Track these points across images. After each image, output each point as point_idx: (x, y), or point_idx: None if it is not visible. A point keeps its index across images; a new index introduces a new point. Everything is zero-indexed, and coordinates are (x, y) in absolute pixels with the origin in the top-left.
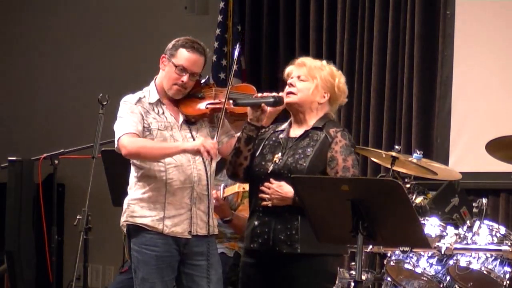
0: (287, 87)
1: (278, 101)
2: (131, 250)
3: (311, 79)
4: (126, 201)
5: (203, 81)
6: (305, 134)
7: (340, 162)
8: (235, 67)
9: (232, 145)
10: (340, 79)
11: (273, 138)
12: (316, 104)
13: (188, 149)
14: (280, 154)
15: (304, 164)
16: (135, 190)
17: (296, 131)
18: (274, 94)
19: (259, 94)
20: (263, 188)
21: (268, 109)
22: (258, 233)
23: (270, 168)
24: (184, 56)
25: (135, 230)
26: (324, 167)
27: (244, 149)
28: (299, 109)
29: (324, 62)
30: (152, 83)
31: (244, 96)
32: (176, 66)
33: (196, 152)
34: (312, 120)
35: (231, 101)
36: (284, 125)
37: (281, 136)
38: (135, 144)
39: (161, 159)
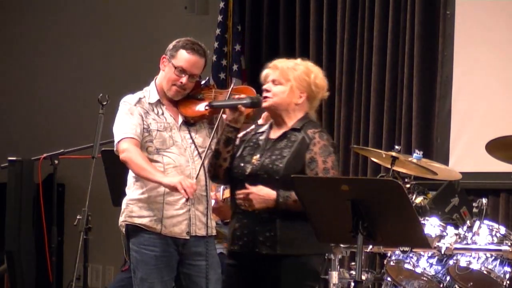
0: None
1: (256, 103)
2: (130, 250)
3: (285, 82)
4: (124, 201)
5: (203, 82)
6: (283, 136)
7: (320, 163)
8: (235, 67)
9: None
10: (316, 75)
11: (254, 140)
12: (293, 106)
13: (164, 183)
14: (258, 155)
15: (281, 165)
16: (133, 190)
17: (275, 133)
18: (253, 96)
19: (237, 96)
20: (238, 193)
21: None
22: (239, 235)
23: (248, 170)
24: (184, 57)
25: (134, 230)
26: (301, 168)
27: (223, 150)
28: (277, 112)
29: (299, 60)
30: (153, 83)
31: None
32: (175, 67)
33: (172, 188)
34: (291, 122)
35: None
36: (265, 127)
37: (261, 138)
38: (128, 154)
39: (142, 178)
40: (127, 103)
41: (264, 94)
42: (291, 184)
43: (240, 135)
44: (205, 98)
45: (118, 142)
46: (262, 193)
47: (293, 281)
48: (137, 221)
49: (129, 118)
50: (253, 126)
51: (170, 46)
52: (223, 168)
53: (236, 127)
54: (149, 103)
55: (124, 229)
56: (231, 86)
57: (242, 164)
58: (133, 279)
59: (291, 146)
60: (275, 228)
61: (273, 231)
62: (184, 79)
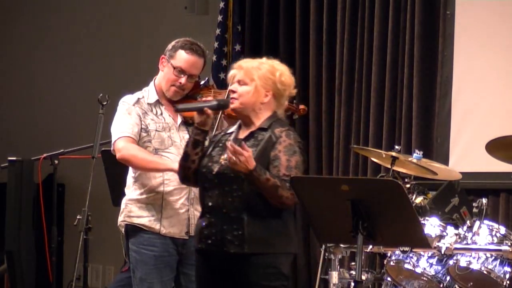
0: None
1: (222, 105)
2: (129, 250)
3: (250, 81)
4: (123, 201)
5: (202, 82)
6: (250, 135)
7: (283, 161)
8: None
9: None
10: (282, 73)
11: (223, 140)
12: (259, 105)
13: (176, 169)
14: (226, 155)
15: None
16: (132, 190)
17: (244, 133)
18: (220, 98)
19: (203, 98)
20: (229, 146)
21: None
22: (206, 234)
23: (215, 169)
24: (182, 57)
25: (133, 230)
26: (267, 167)
27: (191, 152)
28: (244, 113)
29: (264, 59)
30: (152, 83)
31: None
32: (174, 68)
33: None
34: (259, 121)
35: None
36: (234, 127)
37: (230, 138)
38: (129, 151)
39: (149, 172)
40: (126, 103)
41: (231, 95)
42: None
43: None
44: (203, 98)
45: (115, 141)
46: (249, 159)
47: (261, 280)
48: (136, 221)
49: (127, 117)
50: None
51: (169, 46)
52: (191, 170)
53: (204, 129)
54: (148, 103)
55: (123, 229)
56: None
57: (210, 164)
58: (133, 279)
59: (257, 145)
60: (243, 226)
61: (240, 230)
62: (183, 80)
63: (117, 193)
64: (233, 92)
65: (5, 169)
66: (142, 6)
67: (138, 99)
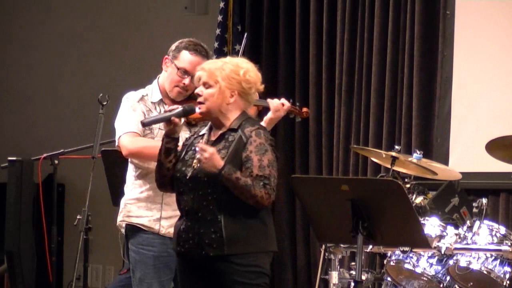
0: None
1: (188, 111)
2: (128, 251)
3: (214, 83)
4: (122, 201)
5: None
6: (221, 137)
7: (255, 162)
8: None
9: None
10: (246, 71)
11: (194, 144)
12: (225, 106)
13: None
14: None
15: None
16: (132, 189)
17: (215, 135)
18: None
19: (169, 108)
20: (200, 147)
21: (182, 120)
22: (184, 238)
23: (189, 173)
24: (186, 58)
25: (132, 230)
26: (239, 169)
27: (164, 161)
28: (212, 115)
29: (228, 59)
30: (155, 82)
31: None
32: (178, 68)
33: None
34: (228, 122)
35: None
36: (205, 129)
37: (201, 141)
38: (137, 144)
39: None
40: (130, 99)
41: (198, 99)
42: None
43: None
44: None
45: (120, 137)
46: (214, 157)
47: (242, 279)
48: (135, 221)
49: (132, 114)
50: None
51: (173, 47)
52: (167, 177)
53: (174, 137)
54: (151, 102)
55: (123, 229)
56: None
57: (183, 168)
58: (132, 279)
59: (228, 146)
60: (221, 229)
61: (218, 232)
62: (186, 80)
63: (117, 193)
64: (199, 95)
65: (5, 169)
66: (142, 6)
67: (142, 96)
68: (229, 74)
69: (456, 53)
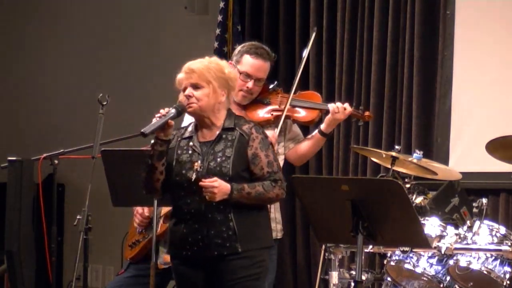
0: (183, 97)
1: (180, 110)
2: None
3: (206, 84)
4: None
5: (271, 86)
6: (219, 137)
7: (263, 158)
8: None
9: (298, 151)
10: (228, 69)
11: (185, 146)
12: (217, 106)
13: None
14: (199, 161)
15: (228, 166)
16: None
17: (206, 135)
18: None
19: (162, 112)
20: (204, 185)
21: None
22: (190, 241)
23: (193, 176)
24: (248, 62)
25: None
26: (246, 165)
27: (158, 164)
28: (203, 115)
29: (207, 58)
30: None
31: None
32: (241, 73)
33: None
34: (219, 121)
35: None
36: (190, 131)
37: (191, 143)
38: None
39: None
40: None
41: (188, 101)
42: (240, 181)
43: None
44: (271, 102)
45: None
46: (221, 186)
47: (249, 274)
48: None
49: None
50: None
51: (236, 51)
52: (160, 181)
53: (166, 139)
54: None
55: None
56: (294, 86)
57: (184, 171)
58: None
59: (231, 145)
60: (233, 226)
61: (231, 230)
62: (250, 84)
63: (117, 193)
64: (190, 97)
65: (5, 169)
66: (142, 6)
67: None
68: (218, 74)
69: (456, 53)
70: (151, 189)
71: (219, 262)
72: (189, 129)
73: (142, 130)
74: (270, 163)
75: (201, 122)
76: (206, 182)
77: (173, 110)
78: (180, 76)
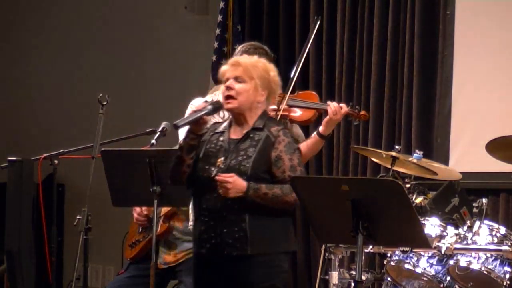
0: (223, 88)
1: (217, 107)
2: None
3: (249, 80)
4: (190, 205)
5: None
6: (246, 136)
7: (286, 161)
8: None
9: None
10: (274, 72)
11: (214, 141)
12: (255, 104)
13: None
14: (223, 158)
15: (248, 165)
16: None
17: (237, 133)
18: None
19: (196, 107)
20: (219, 179)
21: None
22: (205, 238)
23: (214, 173)
24: None
25: None
26: (267, 167)
27: (186, 157)
28: (240, 112)
29: (256, 57)
30: (222, 87)
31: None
32: None
33: None
34: (252, 120)
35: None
36: (224, 126)
37: (221, 138)
38: None
39: None
40: (193, 106)
41: (227, 92)
42: (258, 181)
43: None
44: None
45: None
46: (237, 182)
47: (263, 280)
48: None
49: None
50: (210, 123)
51: (236, 51)
52: (186, 173)
53: (199, 134)
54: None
55: None
56: (288, 92)
57: (207, 167)
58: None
59: (255, 145)
60: (245, 228)
61: (242, 232)
62: None
63: (117, 193)
64: (230, 88)
65: (5, 169)
66: (142, 6)
67: (206, 102)
68: (263, 74)
69: (456, 53)
70: (176, 180)
71: (231, 264)
72: (224, 124)
73: (174, 122)
74: (293, 167)
75: (236, 119)
76: (222, 176)
77: (209, 106)
78: (224, 68)
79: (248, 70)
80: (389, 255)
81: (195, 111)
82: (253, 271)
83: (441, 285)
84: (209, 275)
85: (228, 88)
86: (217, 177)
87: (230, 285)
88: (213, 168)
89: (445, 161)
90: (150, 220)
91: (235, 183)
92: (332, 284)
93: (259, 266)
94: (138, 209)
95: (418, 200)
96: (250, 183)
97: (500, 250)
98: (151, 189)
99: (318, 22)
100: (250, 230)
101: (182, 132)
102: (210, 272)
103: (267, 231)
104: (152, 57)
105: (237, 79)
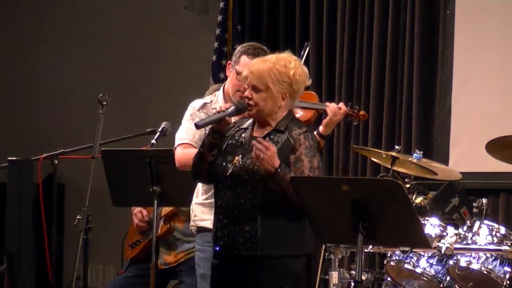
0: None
1: (241, 109)
2: (196, 251)
3: (264, 88)
4: (192, 204)
5: None
6: (266, 136)
7: (306, 162)
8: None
9: None
10: (295, 70)
11: (237, 137)
12: (276, 109)
13: None
14: (240, 156)
15: None
16: (199, 194)
17: (259, 132)
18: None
19: (221, 107)
20: (258, 144)
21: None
22: (219, 235)
23: (229, 170)
24: (245, 62)
25: (199, 230)
26: None
27: (207, 155)
28: (261, 116)
29: (274, 57)
30: (221, 87)
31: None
32: (238, 73)
33: None
34: (275, 122)
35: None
36: (249, 122)
37: (243, 135)
38: (187, 156)
39: None
40: (192, 107)
41: (246, 101)
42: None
43: None
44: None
45: (175, 148)
46: (274, 156)
47: (274, 282)
48: (200, 223)
49: (189, 124)
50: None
51: (235, 51)
52: (206, 169)
53: (222, 133)
54: (213, 108)
55: (195, 231)
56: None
57: (224, 164)
58: (196, 275)
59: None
60: (256, 228)
61: (253, 232)
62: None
63: (117, 193)
64: (248, 98)
65: (5, 169)
66: (142, 6)
67: (205, 103)
68: (280, 78)
69: (456, 53)
70: (197, 175)
71: (241, 263)
72: (250, 120)
73: (195, 122)
74: (312, 168)
75: (259, 120)
76: (263, 143)
77: (233, 107)
78: (245, 73)
79: (261, 79)
80: (389, 255)
81: (218, 111)
82: (263, 272)
83: (441, 285)
84: (222, 273)
85: (246, 97)
86: (257, 139)
87: (240, 285)
88: (229, 165)
89: (445, 161)
90: (150, 223)
91: (273, 155)
92: (332, 284)
93: (268, 267)
94: (139, 215)
95: (418, 200)
96: (282, 164)
97: (500, 250)
98: (151, 189)
99: (308, 48)
100: (262, 230)
101: (179, 133)
102: (224, 270)
103: (279, 233)
104: (152, 57)
105: (254, 88)
